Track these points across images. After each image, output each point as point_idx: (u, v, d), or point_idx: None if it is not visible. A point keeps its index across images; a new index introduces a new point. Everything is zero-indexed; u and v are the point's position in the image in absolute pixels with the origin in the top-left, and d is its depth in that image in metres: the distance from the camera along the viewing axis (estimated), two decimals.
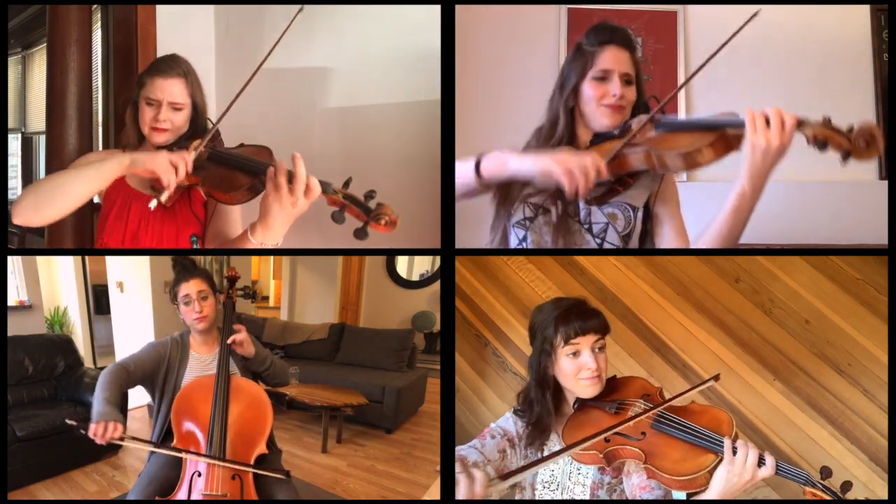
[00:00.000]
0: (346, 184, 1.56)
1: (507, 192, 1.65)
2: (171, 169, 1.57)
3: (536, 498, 1.44)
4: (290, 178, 1.53)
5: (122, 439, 1.52)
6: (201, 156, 1.67)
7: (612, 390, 1.43)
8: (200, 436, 1.64)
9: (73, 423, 1.53)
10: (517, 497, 1.49)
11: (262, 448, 1.67)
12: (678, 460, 1.22)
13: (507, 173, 1.54)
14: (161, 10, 2.30)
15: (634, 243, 1.65)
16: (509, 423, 1.50)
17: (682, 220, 1.69)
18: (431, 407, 4.52)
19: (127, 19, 2.28)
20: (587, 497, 1.38)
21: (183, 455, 1.61)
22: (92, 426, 1.50)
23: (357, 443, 3.78)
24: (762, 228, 2.71)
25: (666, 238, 1.66)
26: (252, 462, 1.64)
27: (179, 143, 1.77)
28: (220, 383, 1.71)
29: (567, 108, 1.66)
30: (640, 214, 1.63)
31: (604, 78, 1.61)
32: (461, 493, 1.10)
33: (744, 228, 1.50)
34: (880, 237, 2.50)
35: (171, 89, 1.75)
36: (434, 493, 2.45)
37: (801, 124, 1.41)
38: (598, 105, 1.61)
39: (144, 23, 2.26)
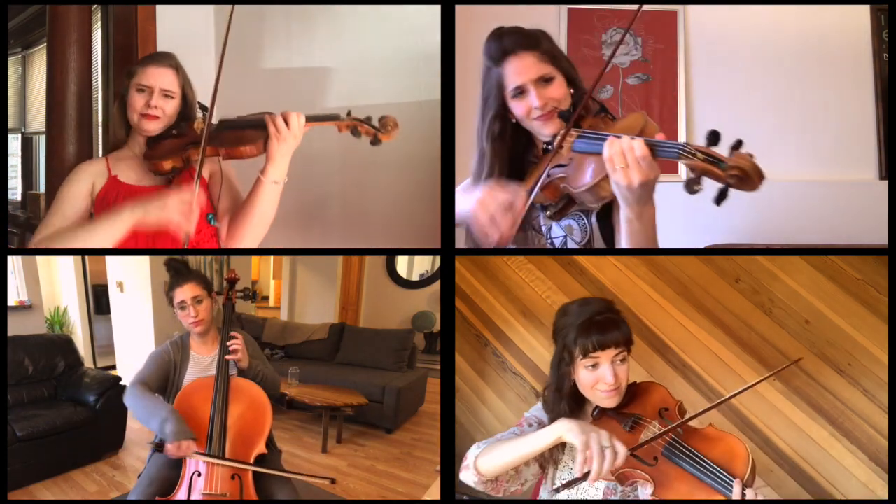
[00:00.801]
0: (349, 113, 1.80)
1: None
2: (188, 214, 1.63)
3: (556, 496, 1.43)
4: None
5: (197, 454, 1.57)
6: (211, 129, 1.76)
7: (632, 398, 1.39)
8: (201, 436, 1.64)
9: (154, 443, 1.61)
10: (543, 486, 1.48)
11: (261, 448, 1.67)
12: (685, 496, 1.18)
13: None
14: (161, 9, 2.30)
15: (598, 246, 1.62)
16: (541, 412, 1.48)
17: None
18: (431, 407, 4.52)
19: (127, 19, 2.28)
20: (601, 497, 1.37)
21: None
22: (171, 446, 1.52)
23: (357, 443, 3.78)
24: (762, 228, 2.73)
25: (622, 243, 1.58)
26: (252, 461, 1.64)
27: (179, 129, 1.81)
28: (219, 384, 1.71)
29: (491, 137, 1.58)
30: (593, 218, 1.58)
31: (521, 93, 1.53)
32: (605, 467, 1.12)
33: (654, 238, 1.43)
34: (880, 237, 2.50)
35: (163, 77, 1.78)
36: (434, 493, 2.44)
37: (682, 155, 1.27)
38: (530, 120, 1.55)
39: (144, 22, 2.26)
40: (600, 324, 1.31)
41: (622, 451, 1.14)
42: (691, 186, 1.26)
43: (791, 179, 2.79)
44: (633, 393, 1.41)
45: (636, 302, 2.19)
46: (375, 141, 1.79)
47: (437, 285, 6.36)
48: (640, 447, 1.25)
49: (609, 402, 1.34)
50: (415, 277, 6.63)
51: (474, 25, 2.97)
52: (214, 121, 1.79)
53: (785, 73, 2.97)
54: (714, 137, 1.24)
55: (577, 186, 1.44)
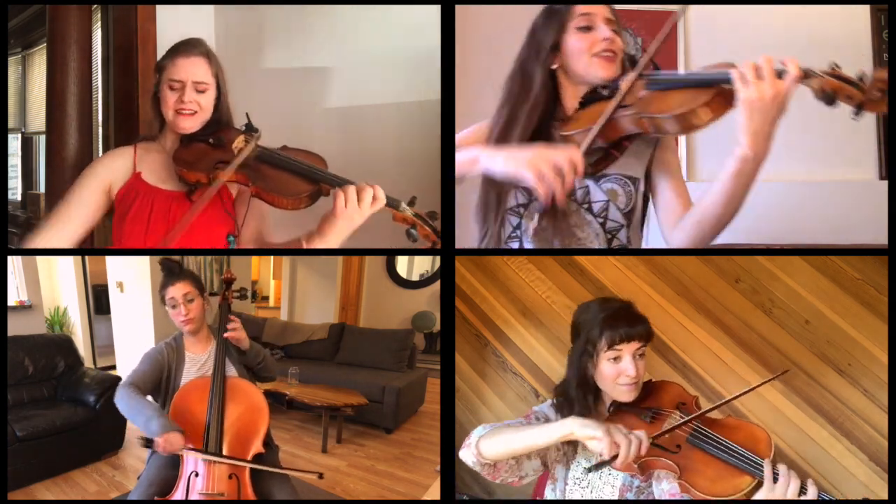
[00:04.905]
0: (412, 202, 1.61)
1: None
2: None
3: (567, 493, 1.43)
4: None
5: (185, 449, 1.55)
6: (245, 153, 1.62)
7: (648, 395, 1.41)
8: (198, 436, 1.64)
9: (143, 439, 1.56)
10: (549, 486, 1.48)
11: (258, 447, 1.67)
12: (714, 479, 1.20)
13: (477, 172, 1.48)
14: (161, 10, 2.30)
15: (638, 218, 1.60)
16: (551, 410, 1.47)
17: (683, 182, 1.59)
18: (431, 407, 4.52)
19: (127, 19, 2.28)
20: (616, 498, 1.37)
21: (182, 453, 1.61)
22: (159, 440, 1.51)
23: (357, 443, 3.78)
24: (762, 228, 2.73)
25: (666, 203, 1.57)
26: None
27: (217, 139, 1.68)
28: (215, 383, 1.71)
29: (545, 70, 1.55)
30: (640, 187, 1.57)
31: (589, 27, 1.52)
32: (632, 450, 1.12)
33: (745, 198, 1.39)
34: (880, 237, 2.50)
35: (193, 69, 1.66)
36: (434, 493, 2.44)
37: (806, 75, 1.27)
38: (591, 56, 1.52)
39: (144, 23, 2.26)
40: (627, 317, 1.36)
41: (644, 437, 1.15)
42: (828, 103, 1.28)
43: (791, 179, 2.78)
44: (649, 390, 1.43)
45: (636, 302, 2.18)
46: (413, 237, 1.61)
47: (437, 285, 6.36)
48: (665, 434, 1.27)
49: (628, 395, 1.36)
50: (415, 277, 6.63)
51: (474, 25, 2.97)
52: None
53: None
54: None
55: (663, 112, 1.38)
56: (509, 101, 1.60)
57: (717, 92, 1.35)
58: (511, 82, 1.62)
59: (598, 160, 1.53)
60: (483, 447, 1.29)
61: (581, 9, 1.52)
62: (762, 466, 1.17)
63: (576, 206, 1.55)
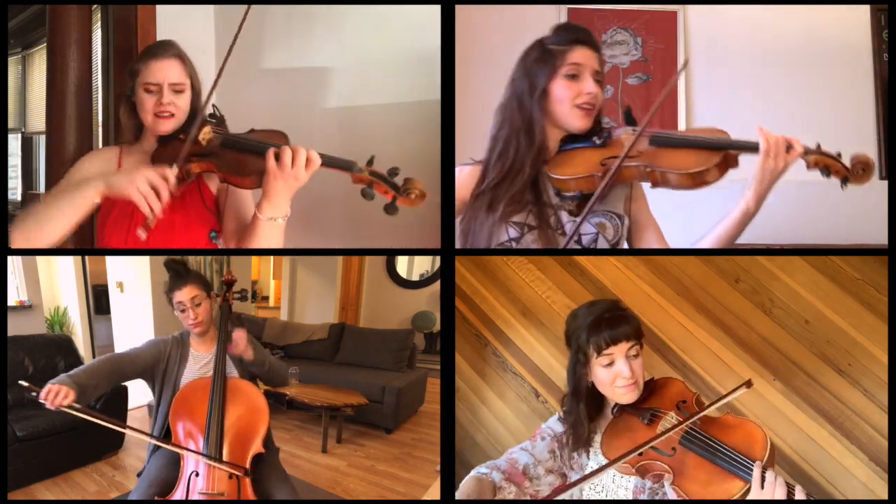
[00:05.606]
0: (371, 161, 1.59)
1: (493, 196, 1.60)
2: (150, 194, 1.49)
3: (581, 497, 1.43)
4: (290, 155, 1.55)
5: (72, 408, 1.52)
6: (213, 142, 1.64)
7: (650, 394, 1.41)
8: (198, 436, 1.64)
9: (25, 384, 1.55)
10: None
11: (258, 448, 1.67)
12: (704, 483, 1.20)
13: None
14: (161, 9, 2.30)
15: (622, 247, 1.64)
16: (557, 425, 1.48)
17: (656, 223, 1.70)
18: (431, 407, 4.53)
19: (127, 19, 2.28)
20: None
21: (171, 447, 1.62)
22: (43, 390, 1.50)
23: (357, 443, 3.78)
24: (762, 228, 2.72)
25: (649, 243, 1.66)
26: (248, 461, 1.64)
27: (188, 134, 1.66)
28: (216, 384, 1.71)
29: (541, 111, 1.57)
30: (626, 222, 1.63)
31: (576, 76, 1.55)
32: None
33: (737, 238, 1.58)
34: (880, 237, 2.50)
35: (168, 71, 1.67)
36: (434, 493, 2.44)
37: (806, 152, 1.51)
38: (572, 106, 1.56)
39: (144, 23, 2.26)
40: (609, 320, 1.34)
41: None
42: (824, 174, 1.56)
43: (791, 179, 2.79)
44: (651, 388, 1.43)
45: (636, 302, 2.19)
46: (391, 207, 1.56)
47: (437, 285, 6.37)
48: (659, 438, 1.27)
49: (628, 397, 1.36)
50: (415, 277, 6.64)
51: (474, 25, 2.97)
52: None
53: (785, 73, 2.97)
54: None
55: (677, 168, 1.52)
56: (513, 139, 1.60)
57: (725, 155, 1.53)
58: (508, 113, 1.62)
59: (579, 204, 1.57)
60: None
61: (572, 57, 1.56)
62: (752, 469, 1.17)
63: (564, 240, 1.58)
